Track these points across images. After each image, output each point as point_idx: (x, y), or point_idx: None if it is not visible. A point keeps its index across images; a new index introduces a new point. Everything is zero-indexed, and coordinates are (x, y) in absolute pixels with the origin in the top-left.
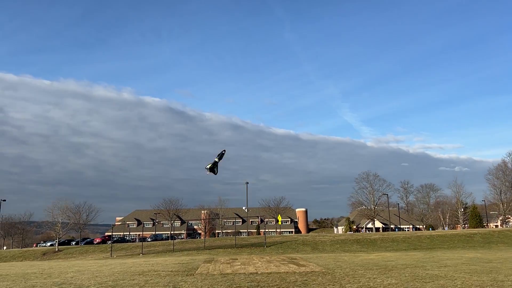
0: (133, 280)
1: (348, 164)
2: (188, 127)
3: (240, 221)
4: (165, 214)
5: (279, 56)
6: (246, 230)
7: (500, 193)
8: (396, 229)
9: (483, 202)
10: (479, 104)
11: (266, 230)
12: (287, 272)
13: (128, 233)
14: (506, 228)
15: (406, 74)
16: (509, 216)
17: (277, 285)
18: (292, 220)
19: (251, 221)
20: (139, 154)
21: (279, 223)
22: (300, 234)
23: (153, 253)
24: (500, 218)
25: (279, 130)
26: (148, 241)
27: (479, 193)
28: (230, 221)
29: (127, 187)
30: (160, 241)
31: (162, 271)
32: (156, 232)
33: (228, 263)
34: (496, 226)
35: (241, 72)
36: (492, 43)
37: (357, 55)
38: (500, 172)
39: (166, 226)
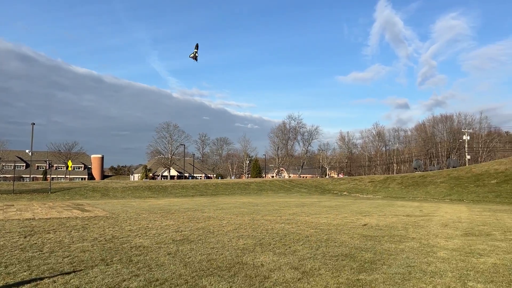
0: None
1: (152, 113)
2: None
3: (23, 166)
4: None
5: None
6: (29, 176)
7: (278, 149)
8: (190, 177)
9: (264, 156)
10: (273, 70)
11: (55, 176)
12: (69, 218)
13: None
14: (276, 178)
15: (216, 31)
16: (282, 169)
17: (54, 229)
18: (86, 167)
19: (37, 166)
20: None
21: (69, 169)
22: (92, 181)
23: None
24: (276, 170)
25: (80, 68)
26: None
27: (262, 148)
28: (10, 165)
29: None
30: None
31: None
32: None
33: (1, 209)
34: (273, 176)
35: None
36: (300, 14)
37: (174, 2)
38: (280, 132)
39: None
